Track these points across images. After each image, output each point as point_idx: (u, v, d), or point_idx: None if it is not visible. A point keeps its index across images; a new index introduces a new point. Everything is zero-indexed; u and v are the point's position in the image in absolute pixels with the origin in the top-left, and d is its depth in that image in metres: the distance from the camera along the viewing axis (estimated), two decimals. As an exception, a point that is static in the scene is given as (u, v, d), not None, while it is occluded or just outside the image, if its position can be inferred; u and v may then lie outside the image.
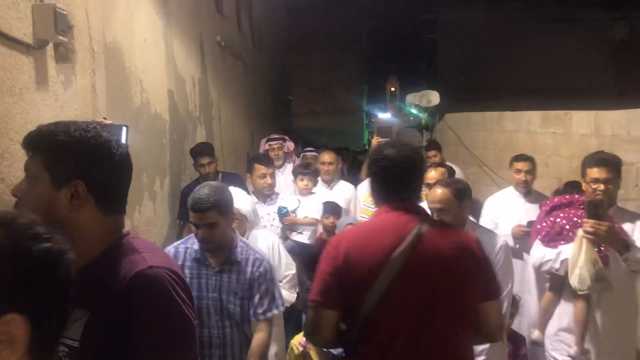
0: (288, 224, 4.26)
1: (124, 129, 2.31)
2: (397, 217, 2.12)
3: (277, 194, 4.43)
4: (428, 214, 2.30)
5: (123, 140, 2.26)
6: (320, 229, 4.48)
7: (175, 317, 1.26)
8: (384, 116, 17.62)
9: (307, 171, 4.65)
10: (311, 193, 4.61)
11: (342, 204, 4.72)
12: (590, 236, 2.88)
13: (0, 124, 2.49)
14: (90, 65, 3.35)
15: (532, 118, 6.25)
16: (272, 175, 4.29)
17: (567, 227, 3.20)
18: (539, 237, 3.30)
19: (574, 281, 2.95)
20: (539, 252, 3.30)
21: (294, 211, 4.34)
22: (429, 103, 8.63)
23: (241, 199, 3.21)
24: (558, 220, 3.23)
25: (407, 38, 17.01)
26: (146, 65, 4.18)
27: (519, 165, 4.30)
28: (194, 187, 4.02)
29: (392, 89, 19.96)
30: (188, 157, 4.69)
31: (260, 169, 4.25)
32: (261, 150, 5.51)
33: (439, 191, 2.93)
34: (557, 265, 3.17)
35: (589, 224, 2.87)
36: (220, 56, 6.32)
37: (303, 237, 4.34)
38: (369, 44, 18.10)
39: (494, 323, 2.18)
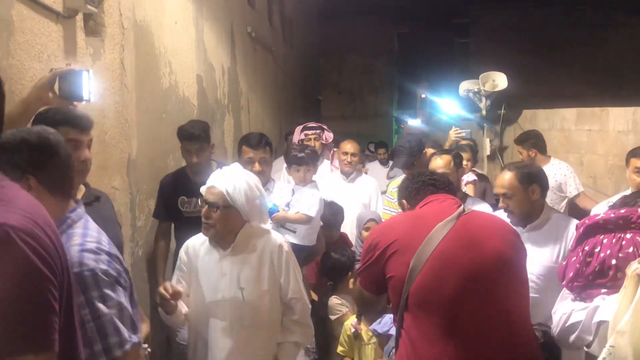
0: (276, 221, 3.45)
1: (85, 74, 2.13)
2: (441, 204, 2.35)
3: (273, 180, 3.78)
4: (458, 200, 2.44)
5: (85, 87, 2.14)
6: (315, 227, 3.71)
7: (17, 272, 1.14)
8: (414, 122, 17.52)
9: (301, 155, 3.66)
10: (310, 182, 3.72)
11: (364, 198, 4.60)
12: None
13: (27, 89, 2.49)
14: (120, 41, 3.35)
15: (567, 115, 6.10)
16: (264, 161, 3.57)
17: (614, 262, 1.93)
18: (565, 282, 2.17)
19: (603, 354, 1.73)
20: (564, 309, 2.18)
21: (287, 205, 3.61)
22: (493, 87, 6.99)
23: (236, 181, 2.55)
24: (597, 250, 1.95)
25: (439, 43, 16.86)
26: (176, 48, 4.17)
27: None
28: (175, 179, 3.70)
29: (423, 95, 19.79)
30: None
31: (246, 151, 3.55)
32: (295, 140, 5.02)
33: (505, 176, 2.89)
34: (589, 337, 1.99)
35: None
36: (251, 47, 6.31)
37: (295, 237, 3.52)
38: (400, 49, 17.99)
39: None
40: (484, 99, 6.99)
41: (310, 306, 2.73)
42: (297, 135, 5.05)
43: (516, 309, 2.13)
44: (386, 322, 2.97)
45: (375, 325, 3.05)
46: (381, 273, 2.21)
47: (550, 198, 4.68)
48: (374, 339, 3.16)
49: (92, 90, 2.19)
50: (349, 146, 4.66)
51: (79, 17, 2.90)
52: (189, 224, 3.38)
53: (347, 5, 13.05)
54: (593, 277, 1.98)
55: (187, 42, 4.43)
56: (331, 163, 5.23)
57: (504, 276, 2.12)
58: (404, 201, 2.57)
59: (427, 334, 2.07)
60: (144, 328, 2.59)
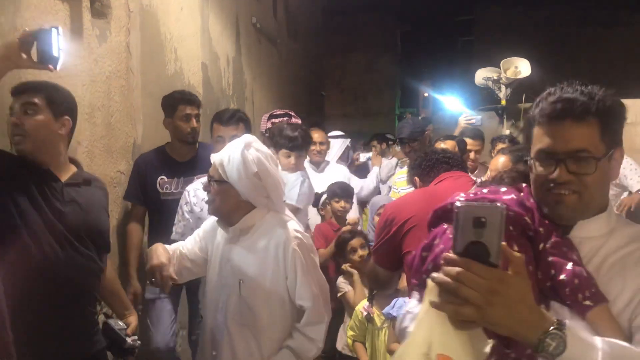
0: None
1: (54, 30, 1.96)
2: (456, 181, 2.40)
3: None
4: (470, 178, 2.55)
5: (55, 43, 1.94)
6: (315, 217, 3.76)
7: None
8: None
9: (294, 136, 3.17)
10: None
11: None
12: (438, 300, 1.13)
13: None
14: (126, 24, 3.31)
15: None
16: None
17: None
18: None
19: None
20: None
21: None
22: (516, 75, 6.39)
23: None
24: (436, 242, 1.41)
25: (442, 41, 16.82)
26: (181, 35, 4.13)
27: None
28: (155, 157, 3.28)
29: (426, 93, 19.75)
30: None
31: (216, 129, 3.14)
32: (262, 129, 4.45)
33: (499, 160, 2.84)
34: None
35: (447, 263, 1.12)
36: (256, 39, 6.27)
37: None
38: (403, 47, 17.96)
39: None
40: (504, 88, 6.51)
41: (324, 319, 2.25)
42: (264, 124, 4.47)
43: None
44: (400, 305, 2.86)
45: (388, 309, 2.97)
46: (398, 249, 2.23)
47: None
48: (387, 323, 3.08)
49: (62, 48, 1.97)
50: (316, 135, 4.39)
51: (86, -3, 2.87)
52: (167, 209, 3.17)
53: (351, 1, 13.01)
54: (427, 275, 1.35)
55: (192, 29, 4.39)
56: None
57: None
58: (416, 178, 2.58)
59: None
60: (132, 321, 2.46)
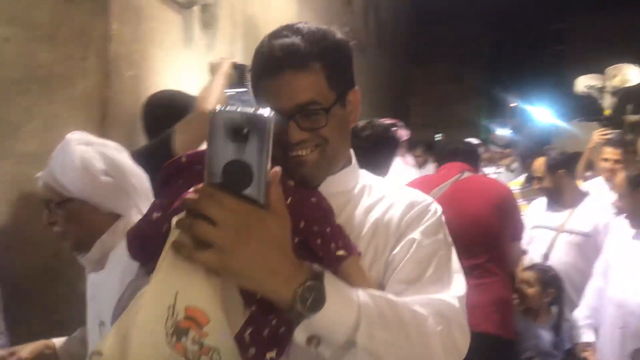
0: None
1: (247, 66, 2.31)
2: (447, 171, 2.86)
3: None
4: (472, 169, 2.94)
5: (247, 80, 2.31)
6: None
7: None
8: (502, 131, 17.06)
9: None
10: None
11: None
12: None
13: (148, 75, 2.61)
14: (231, 34, 3.47)
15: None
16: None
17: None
18: None
19: None
20: None
21: None
22: (623, 83, 6.02)
23: None
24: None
25: (531, 50, 16.37)
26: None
27: None
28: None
29: (513, 104, 19.26)
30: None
31: None
32: None
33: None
34: None
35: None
36: (347, 48, 6.37)
37: None
38: (490, 56, 17.62)
39: (516, 261, 2.96)
40: (608, 97, 6.04)
41: None
42: None
43: (489, 263, 2.66)
44: None
45: None
46: None
47: None
48: None
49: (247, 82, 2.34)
50: None
51: (197, 8, 3.03)
52: None
53: (443, 10, 12.90)
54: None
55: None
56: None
57: (478, 235, 2.62)
58: (436, 163, 3.16)
59: None
60: None
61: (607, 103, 6.01)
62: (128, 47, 2.44)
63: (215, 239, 0.81)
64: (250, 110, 0.83)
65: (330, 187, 1.13)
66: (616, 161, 4.15)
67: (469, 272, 2.68)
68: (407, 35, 11.43)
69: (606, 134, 4.76)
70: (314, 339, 0.88)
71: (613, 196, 3.83)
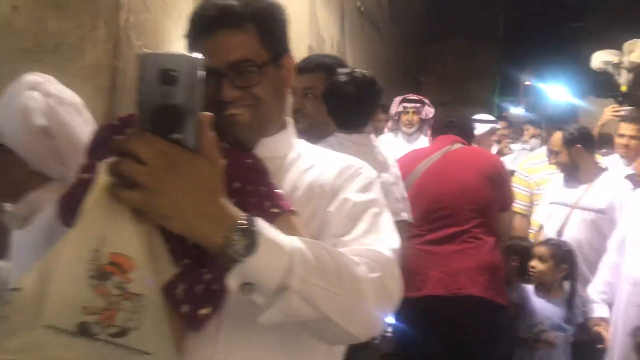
0: None
1: None
2: (439, 143, 2.97)
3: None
4: (464, 142, 3.00)
5: None
6: None
7: None
8: (517, 110, 16.92)
9: None
10: None
11: None
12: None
13: (160, 45, 2.59)
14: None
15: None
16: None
17: None
18: None
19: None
20: None
21: None
22: None
23: None
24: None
25: (548, 27, 16.12)
26: (290, 16, 4.22)
27: None
28: None
29: (527, 82, 19.03)
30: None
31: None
32: (392, 112, 4.86)
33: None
34: None
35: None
36: (359, 23, 6.30)
37: None
38: (505, 34, 17.39)
39: (505, 230, 3.02)
40: (625, 73, 5.90)
41: None
42: (395, 107, 4.83)
43: (476, 229, 2.72)
44: None
45: None
46: None
47: None
48: None
49: None
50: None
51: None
52: None
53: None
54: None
55: (300, 11, 4.48)
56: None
57: (466, 202, 2.72)
58: (430, 136, 3.23)
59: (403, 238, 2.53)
60: None
61: (624, 79, 5.89)
62: (138, 17, 2.42)
63: (143, 178, 0.80)
64: (180, 53, 0.84)
65: (265, 151, 1.14)
66: (632, 137, 4.11)
67: (454, 238, 2.81)
68: (421, 11, 11.29)
69: (618, 111, 4.72)
70: (247, 286, 0.87)
71: (629, 171, 3.80)
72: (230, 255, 0.84)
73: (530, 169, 4.14)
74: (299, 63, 2.25)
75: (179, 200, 0.82)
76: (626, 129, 4.16)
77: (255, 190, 1.03)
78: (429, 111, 4.78)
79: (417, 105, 4.77)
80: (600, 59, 6.09)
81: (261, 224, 0.88)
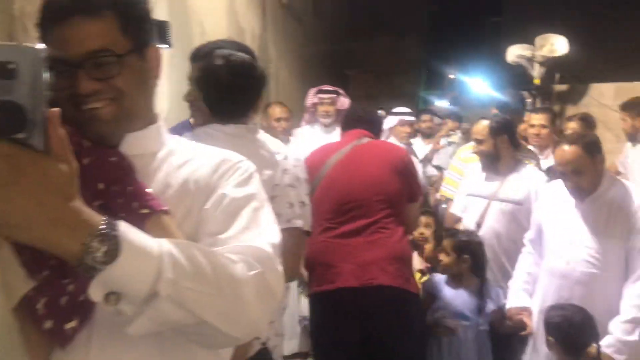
0: None
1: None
2: (348, 137, 3.02)
3: None
4: (372, 136, 3.03)
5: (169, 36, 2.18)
6: None
7: None
8: (441, 103, 17.37)
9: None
10: None
11: None
12: None
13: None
14: (153, -4, 3.30)
15: (605, 91, 5.92)
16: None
17: None
18: None
19: None
20: None
21: None
22: (551, 53, 6.14)
23: None
24: None
25: (469, 21, 16.58)
26: (208, 9, 4.12)
27: None
28: (179, 132, 3.45)
29: (451, 75, 19.53)
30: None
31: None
32: (308, 103, 4.79)
33: (569, 150, 2.71)
34: None
35: None
36: (282, 16, 6.24)
37: None
38: (429, 28, 17.77)
39: (413, 220, 3.08)
40: (537, 67, 6.16)
41: None
42: (311, 99, 4.77)
43: (385, 219, 2.75)
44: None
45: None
46: None
47: None
48: None
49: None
50: (278, 110, 4.53)
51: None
52: None
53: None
54: None
55: (219, 3, 4.37)
56: None
57: (374, 194, 2.75)
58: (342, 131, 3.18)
59: (316, 233, 2.57)
60: None
61: (537, 72, 6.12)
62: (35, 5, 2.27)
63: None
64: (17, 44, 0.76)
65: (132, 148, 1.06)
66: (542, 126, 4.27)
67: (365, 229, 2.81)
68: (344, 5, 11.34)
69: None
70: (112, 296, 0.80)
71: (546, 162, 3.91)
72: (90, 263, 0.78)
73: (467, 158, 4.23)
74: (192, 50, 2.26)
75: (26, 207, 0.74)
76: (537, 119, 4.33)
77: (121, 190, 0.96)
78: (345, 102, 4.72)
79: (333, 95, 4.69)
80: (514, 53, 6.32)
81: (124, 228, 0.82)
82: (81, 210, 0.80)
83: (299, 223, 2.03)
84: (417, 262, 3.69)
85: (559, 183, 2.92)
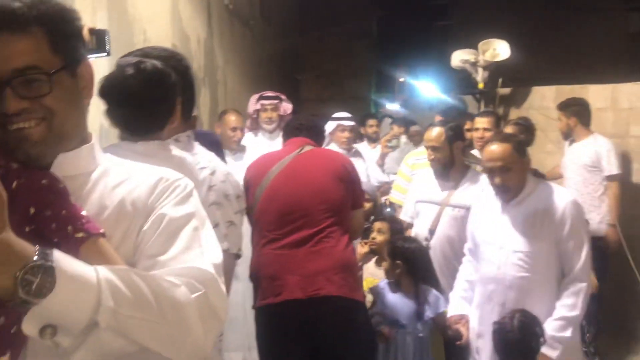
0: None
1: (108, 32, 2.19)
2: (290, 146, 3.01)
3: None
4: (313, 144, 3.03)
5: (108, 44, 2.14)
6: None
7: None
8: (392, 106, 17.54)
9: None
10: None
11: None
12: None
13: None
14: (92, 3, 3.22)
15: (546, 93, 6.08)
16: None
17: None
18: None
19: None
20: None
21: None
22: (494, 57, 6.19)
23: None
24: None
25: (418, 26, 16.79)
26: (151, 15, 4.04)
27: None
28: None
29: (401, 79, 19.73)
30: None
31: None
32: (251, 110, 4.75)
33: (498, 148, 2.76)
34: None
35: None
36: (228, 21, 6.18)
37: None
38: (378, 32, 17.94)
39: (357, 227, 3.06)
40: (481, 71, 6.24)
41: None
42: (253, 105, 4.72)
43: (329, 228, 2.74)
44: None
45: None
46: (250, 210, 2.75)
47: (583, 177, 4.51)
48: None
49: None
50: (233, 119, 4.41)
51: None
52: None
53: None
54: None
55: (162, 9, 4.30)
56: None
57: (318, 203, 2.74)
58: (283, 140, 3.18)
59: (260, 245, 2.75)
60: None
61: (480, 77, 6.26)
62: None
63: None
64: None
65: (65, 169, 1.03)
66: (485, 129, 4.36)
67: (309, 239, 2.82)
68: (292, 9, 11.34)
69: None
70: (48, 329, 0.78)
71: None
72: (23, 297, 0.75)
73: (415, 164, 4.27)
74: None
75: None
76: (480, 122, 4.43)
77: (54, 214, 0.93)
78: (287, 107, 4.73)
79: (275, 101, 4.68)
80: (459, 57, 6.45)
81: (58, 257, 0.79)
82: (11, 242, 0.77)
83: (224, 246, 1.86)
84: (373, 267, 3.70)
85: (487, 190, 2.96)
